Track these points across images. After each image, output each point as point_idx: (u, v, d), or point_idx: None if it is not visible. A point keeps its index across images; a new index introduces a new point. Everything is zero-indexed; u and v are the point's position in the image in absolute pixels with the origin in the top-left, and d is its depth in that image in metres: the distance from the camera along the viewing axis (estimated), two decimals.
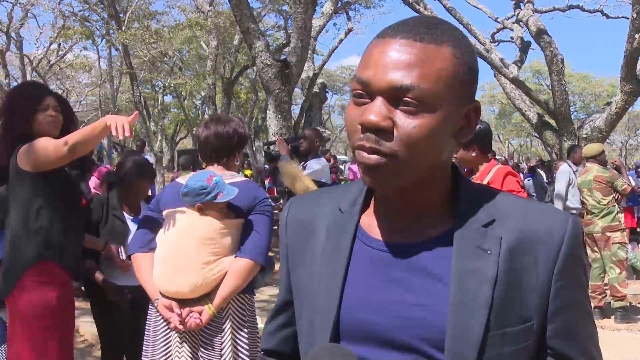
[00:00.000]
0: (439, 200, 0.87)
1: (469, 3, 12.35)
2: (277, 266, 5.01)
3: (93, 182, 6.31)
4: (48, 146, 2.45)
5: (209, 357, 2.28)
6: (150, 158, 12.00)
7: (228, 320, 2.31)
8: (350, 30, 15.45)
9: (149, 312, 2.45)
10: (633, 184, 6.37)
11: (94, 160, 8.73)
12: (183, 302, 2.28)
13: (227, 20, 14.24)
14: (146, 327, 2.45)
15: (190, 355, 2.29)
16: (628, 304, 5.79)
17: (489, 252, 0.80)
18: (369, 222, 0.89)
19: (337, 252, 0.88)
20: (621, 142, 39.80)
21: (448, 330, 0.78)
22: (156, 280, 2.33)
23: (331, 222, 0.91)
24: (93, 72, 24.22)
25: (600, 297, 5.73)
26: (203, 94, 19.91)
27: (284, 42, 16.11)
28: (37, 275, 2.48)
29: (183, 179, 2.46)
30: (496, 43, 13.69)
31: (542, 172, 10.32)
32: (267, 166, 5.82)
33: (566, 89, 9.82)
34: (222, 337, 2.29)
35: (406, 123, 0.77)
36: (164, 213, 2.44)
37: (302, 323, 0.92)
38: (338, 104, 40.23)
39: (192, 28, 14.92)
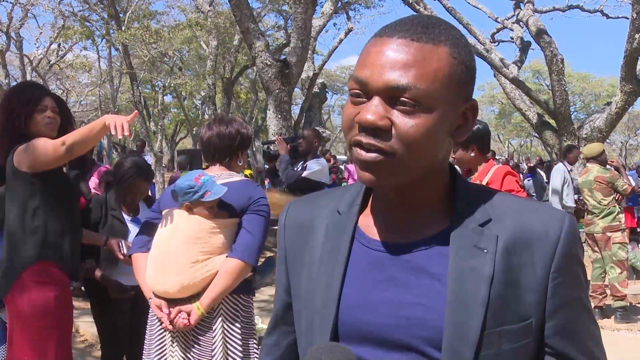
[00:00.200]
0: (436, 199, 0.87)
1: (469, 3, 12.36)
2: None
3: (93, 182, 6.32)
4: (46, 146, 2.45)
5: (200, 358, 2.27)
6: (150, 158, 12.00)
7: (219, 321, 2.29)
8: (350, 30, 15.44)
9: (149, 311, 2.45)
10: (633, 184, 6.37)
11: (94, 160, 8.73)
12: (174, 302, 2.28)
13: (227, 20, 14.23)
14: (146, 326, 2.46)
15: (183, 355, 2.29)
16: (628, 304, 5.79)
17: (485, 250, 0.80)
18: (367, 223, 0.90)
19: (335, 253, 0.88)
20: (621, 142, 39.79)
21: (445, 328, 0.78)
22: (147, 280, 2.35)
23: (329, 224, 0.91)
24: (93, 72, 24.23)
25: (600, 297, 5.73)
26: (203, 94, 19.91)
27: (284, 42, 16.11)
28: (36, 275, 2.48)
29: None
30: (496, 43, 13.69)
31: (542, 172, 10.32)
32: (266, 166, 5.82)
33: (566, 89, 9.83)
34: (213, 338, 2.27)
35: (404, 122, 0.77)
36: (162, 213, 2.46)
37: (300, 324, 0.92)
38: (338, 104, 40.23)
39: (192, 28, 14.91)
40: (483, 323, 0.77)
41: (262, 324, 3.95)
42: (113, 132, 2.30)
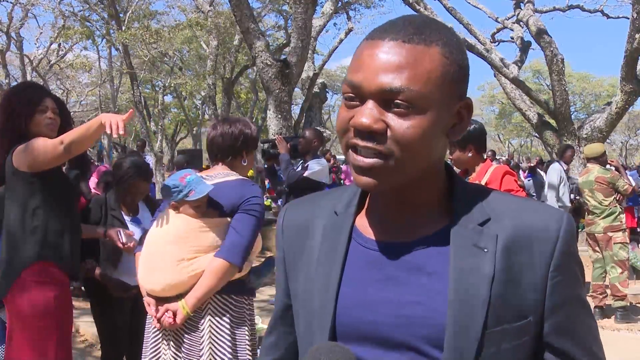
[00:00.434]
0: (434, 198, 0.87)
1: (469, 3, 12.36)
2: None
3: (93, 182, 6.32)
4: (45, 146, 2.45)
5: (190, 357, 2.28)
6: (151, 158, 12.02)
7: (206, 321, 2.27)
8: (350, 30, 15.45)
9: None
10: (633, 184, 6.38)
11: (93, 160, 8.72)
12: (165, 300, 2.28)
13: (227, 20, 14.23)
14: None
15: (174, 353, 2.30)
16: (628, 304, 5.79)
17: (485, 250, 0.80)
18: (364, 223, 0.90)
19: (332, 254, 0.88)
20: (621, 142, 39.80)
21: (448, 328, 0.78)
22: (139, 278, 2.38)
23: (327, 225, 0.91)
24: (93, 72, 24.23)
25: (601, 297, 5.73)
26: (203, 94, 19.91)
27: (284, 42, 16.12)
28: (36, 275, 2.48)
29: None
30: (496, 43, 13.68)
31: (542, 172, 10.33)
32: (265, 165, 5.81)
33: (566, 89, 9.83)
34: (201, 338, 2.27)
35: (399, 124, 0.77)
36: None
37: (299, 324, 0.92)
38: (338, 104, 40.11)
39: (192, 28, 14.92)
40: (484, 322, 0.78)
41: (262, 324, 3.94)
42: (108, 131, 2.30)
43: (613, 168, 6.22)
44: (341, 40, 15.67)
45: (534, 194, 9.06)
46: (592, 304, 5.60)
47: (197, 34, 16.29)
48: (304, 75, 12.05)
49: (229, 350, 2.28)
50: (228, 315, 2.31)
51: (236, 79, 18.25)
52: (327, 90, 20.18)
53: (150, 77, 21.05)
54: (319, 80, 15.49)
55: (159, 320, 2.27)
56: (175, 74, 19.93)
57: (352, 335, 0.84)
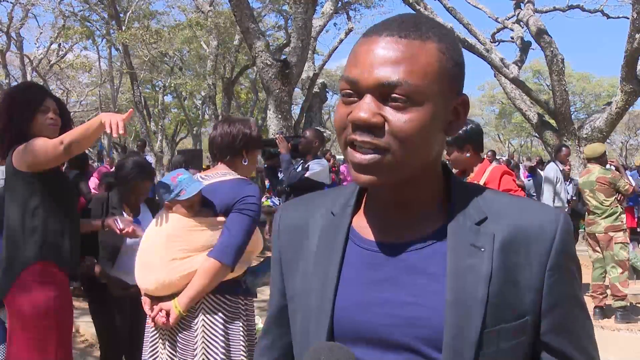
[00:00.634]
0: (431, 198, 0.87)
1: (469, 3, 12.36)
2: None
3: (93, 182, 6.33)
4: (45, 146, 2.45)
5: (184, 356, 2.28)
6: (151, 158, 12.02)
7: (199, 320, 2.27)
8: (350, 30, 15.46)
9: None
10: (634, 184, 6.38)
11: (89, 158, 8.70)
12: (160, 299, 2.28)
13: (227, 20, 14.24)
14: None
15: (170, 353, 2.30)
16: (628, 304, 5.79)
17: (482, 249, 0.80)
18: (361, 224, 0.90)
19: (329, 254, 0.88)
20: (621, 142, 39.76)
21: (446, 328, 0.78)
22: (136, 277, 2.38)
23: (323, 226, 0.91)
24: (93, 72, 24.23)
25: (601, 297, 5.73)
26: (203, 94, 19.92)
27: (284, 42, 16.11)
28: (36, 275, 2.48)
29: None
30: (496, 43, 13.70)
31: (542, 173, 10.33)
32: (265, 165, 5.80)
33: (566, 89, 9.83)
34: (195, 337, 2.27)
35: (397, 118, 0.77)
36: None
37: (296, 325, 0.92)
38: None
39: (192, 28, 14.93)
40: (483, 322, 0.78)
41: (262, 324, 3.95)
42: (108, 131, 2.30)
43: (613, 168, 6.22)
44: (341, 40, 15.69)
45: (534, 194, 9.06)
46: (592, 304, 5.61)
47: (197, 34, 16.29)
48: (304, 75, 12.06)
49: (222, 349, 2.27)
50: (221, 314, 2.30)
51: (236, 79, 18.26)
52: (327, 90, 20.17)
53: (150, 77, 21.08)
54: (319, 80, 15.49)
55: (153, 320, 2.28)
56: (175, 74, 19.95)
57: (350, 336, 0.84)
